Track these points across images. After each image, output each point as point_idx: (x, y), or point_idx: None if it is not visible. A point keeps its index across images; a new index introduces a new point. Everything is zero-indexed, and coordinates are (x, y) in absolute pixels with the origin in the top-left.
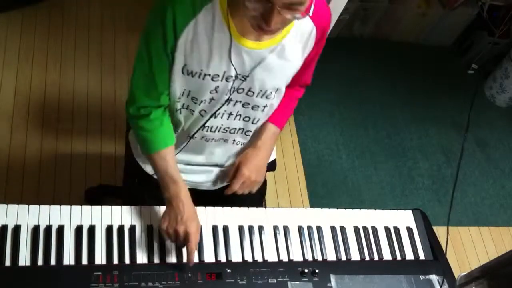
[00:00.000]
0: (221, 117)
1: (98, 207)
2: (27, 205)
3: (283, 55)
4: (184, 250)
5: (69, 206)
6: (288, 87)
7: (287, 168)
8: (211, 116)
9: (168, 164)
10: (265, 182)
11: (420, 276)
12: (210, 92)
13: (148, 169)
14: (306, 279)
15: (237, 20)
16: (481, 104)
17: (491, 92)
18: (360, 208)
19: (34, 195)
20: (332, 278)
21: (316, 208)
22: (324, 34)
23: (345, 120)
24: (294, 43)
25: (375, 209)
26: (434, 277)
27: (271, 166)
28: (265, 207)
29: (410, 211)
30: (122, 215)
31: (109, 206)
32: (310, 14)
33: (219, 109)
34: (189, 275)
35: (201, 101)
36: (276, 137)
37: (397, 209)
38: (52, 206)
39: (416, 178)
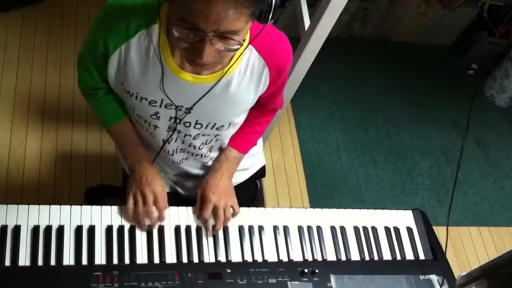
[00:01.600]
0: (175, 141)
1: (98, 207)
2: (27, 205)
3: (228, 91)
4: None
5: (69, 206)
6: (257, 110)
7: (287, 168)
8: (164, 142)
9: (125, 134)
10: (255, 187)
11: (420, 276)
12: (151, 117)
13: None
14: (306, 279)
15: (177, 51)
16: (481, 104)
17: (491, 92)
18: (360, 208)
19: (34, 195)
20: (332, 278)
21: (316, 208)
22: (283, 72)
23: (345, 120)
24: (242, 80)
25: (375, 209)
26: (434, 277)
27: (261, 173)
28: (265, 207)
29: (410, 211)
30: (122, 215)
31: (109, 206)
32: (258, 50)
33: (169, 137)
34: (189, 275)
35: (145, 121)
36: (239, 161)
37: (397, 209)
38: (52, 206)
39: (416, 178)
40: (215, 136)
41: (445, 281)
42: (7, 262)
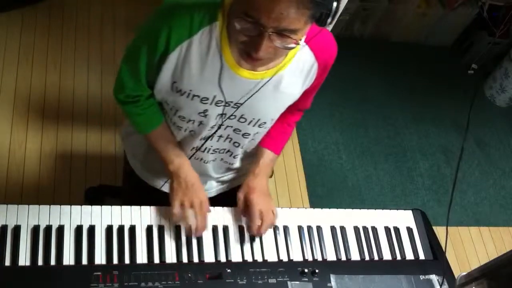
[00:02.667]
0: (211, 139)
1: (98, 207)
2: (27, 205)
3: (279, 87)
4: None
5: (69, 206)
6: (287, 110)
7: (287, 168)
8: (205, 139)
9: (166, 138)
10: None
11: (420, 276)
12: (199, 114)
13: (140, 174)
14: (306, 279)
15: (235, 47)
16: (481, 104)
17: (491, 92)
18: (360, 208)
19: (34, 195)
20: (332, 278)
21: (316, 208)
22: (327, 68)
23: (345, 120)
24: (292, 76)
25: (375, 209)
26: (434, 277)
27: None
28: None
29: (410, 211)
30: (122, 215)
31: (109, 206)
32: (310, 45)
33: (213, 133)
34: (189, 275)
35: (189, 120)
36: (273, 163)
37: (397, 209)
38: (52, 206)
39: (416, 178)
40: (254, 135)
41: (445, 281)
42: (7, 262)
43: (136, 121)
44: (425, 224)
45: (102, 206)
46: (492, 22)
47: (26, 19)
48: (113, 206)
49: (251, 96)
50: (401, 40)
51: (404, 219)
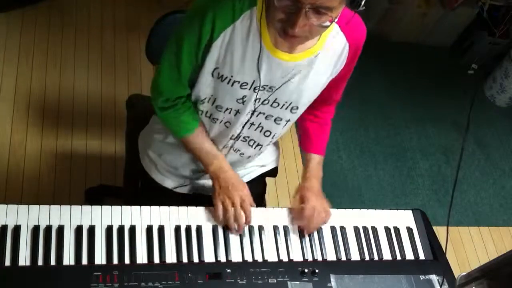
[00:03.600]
0: (242, 127)
1: (98, 207)
2: (27, 205)
3: (312, 70)
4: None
5: (69, 206)
6: (318, 109)
7: (287, 168)
8: (235, 127)
9: (203, 141)
10: (264, 184)
11: (420, 276)
12: (237, 101)
13: (154, 175)
14: (306, 279)
15: (272, 29)
16: (481, 104)
17: (491, 92)
18: (360, 208)
19: (34, 195)
20: (332, 278)
21: None
22: (357, 52)
23: (345, 120)
24: (325, 59)
25: (375, 209)
26: (434, 277)
27: (273, 173)
28: (265, 207)
29: (410, 211)
30: (122, 215)
31: (109, 206)
32: (342, 29)
33: (247, 121)
34: (189, 275)
35: (226, 109)
36: (321, 165)
37: (397, 209)
38: (52, 206)
39: (416, 178)
40: (286, 122)
41: (445, 281)
42: (7, 262)
43: (174, 125)
44: (425, 224)
45: (102, 206)
46: (492, 22)
47: (26, 19)
48: (113, 206)
49: (288, 80)
50: (401, 40)
51: (404, 219)
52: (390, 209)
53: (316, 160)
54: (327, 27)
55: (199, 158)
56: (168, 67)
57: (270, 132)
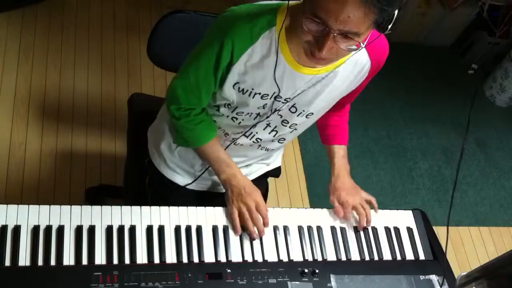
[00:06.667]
0: (258, 127)
1: (98, 207)
2: (27, 205)
3: (333, 81)
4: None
5: (69, 206)
6: (332, 107)
7: (287, 168)
8: (252, 127)
9: (217, 151)
10: (267, 184)
11: (420, 276)
12: (258, 108)
13: (165, 171)
14: (306, 279)
15: (294, 45)
16: (481, 104)
17: (491, 92)
18: None
19: (34, 195)
20: (332, 278)
21: (316, 208)
22: (378, 68)
23: None
24: (346, 73)
25: None
26: (434, 277)
27: (275, 173)
28: None
29: (410, 211)
30: (122, 215)
31: (109, 206)
32: (365, 46)
33: (261, 121)
34: (189, 275)
35: (247, 114)
36: (346, 155)
37: (397, 209)
38: (52, 206)
39: (416, 178)
40: (298, 126)
41: (445, 281)
42: (7, 262)
43: (188, 135)
44: (425, 224)
45: (102, 206)
46: (492, 22)
47: (26, 19)
48: (113, 206)
49: (307, 89)
50: (401, 40)
51: (404, 219)
52: (390, 209)
53: (341, 153)
54: (353, 50)
55: (212, 167)
56: (186, 80)
57: (281, 136)
